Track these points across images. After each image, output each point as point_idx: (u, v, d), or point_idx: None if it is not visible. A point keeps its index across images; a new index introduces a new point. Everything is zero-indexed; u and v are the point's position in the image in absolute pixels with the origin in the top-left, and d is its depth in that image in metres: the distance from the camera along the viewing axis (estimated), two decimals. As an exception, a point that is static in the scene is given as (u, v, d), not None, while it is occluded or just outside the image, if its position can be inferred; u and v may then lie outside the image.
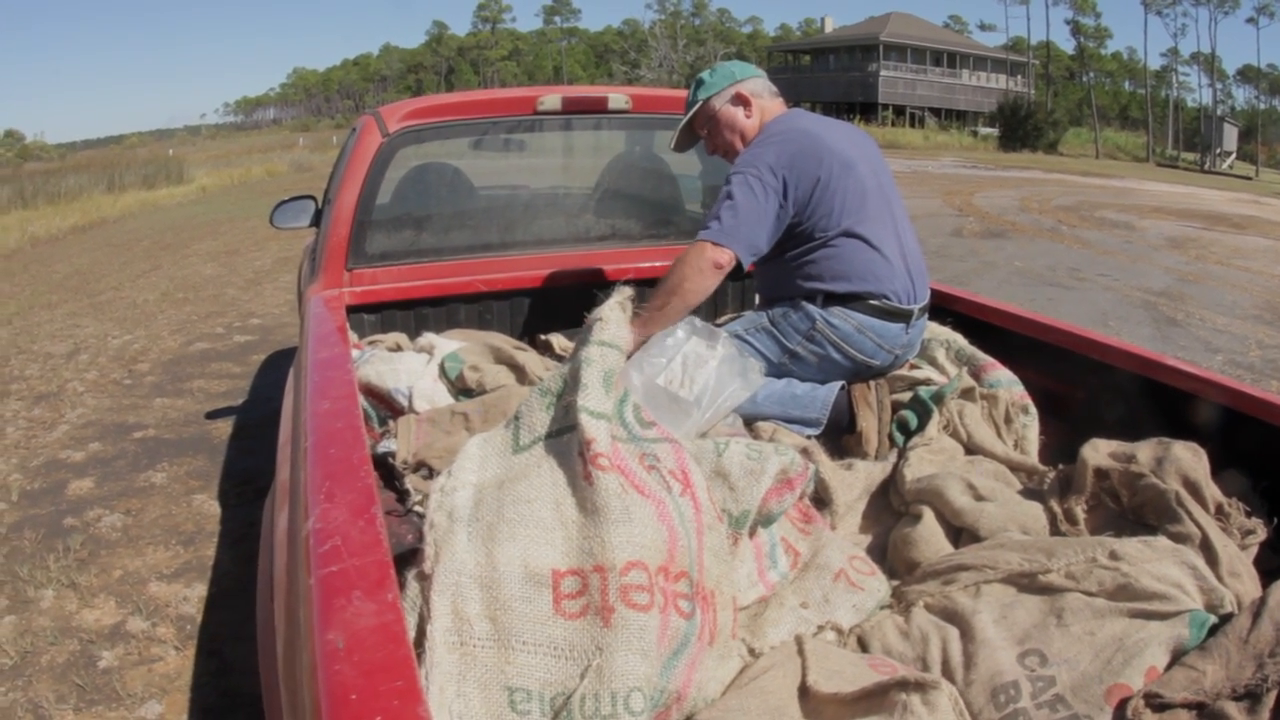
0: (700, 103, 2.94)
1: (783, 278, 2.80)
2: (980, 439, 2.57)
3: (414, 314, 3.28)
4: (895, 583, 2.04)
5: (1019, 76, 65.76)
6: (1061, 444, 2.59)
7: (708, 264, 2.61)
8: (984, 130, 56.05)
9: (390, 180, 3.20)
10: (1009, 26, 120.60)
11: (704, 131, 3.00)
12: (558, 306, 3.43)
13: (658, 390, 2.42)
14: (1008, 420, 2.67)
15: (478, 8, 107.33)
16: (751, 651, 1.64)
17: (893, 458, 2.50)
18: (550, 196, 3.60)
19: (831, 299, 2.73)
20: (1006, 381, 2.75)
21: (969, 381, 2.69)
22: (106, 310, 9.34)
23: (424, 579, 1.34)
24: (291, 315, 8.64)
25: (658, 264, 3.55)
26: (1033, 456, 2.58)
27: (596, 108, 3.39)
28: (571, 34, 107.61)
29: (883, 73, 57.43)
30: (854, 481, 2.37)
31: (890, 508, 2.38)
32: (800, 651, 1.59)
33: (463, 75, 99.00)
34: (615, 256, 3.53)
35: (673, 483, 1.48)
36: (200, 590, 3.73)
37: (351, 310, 3.08)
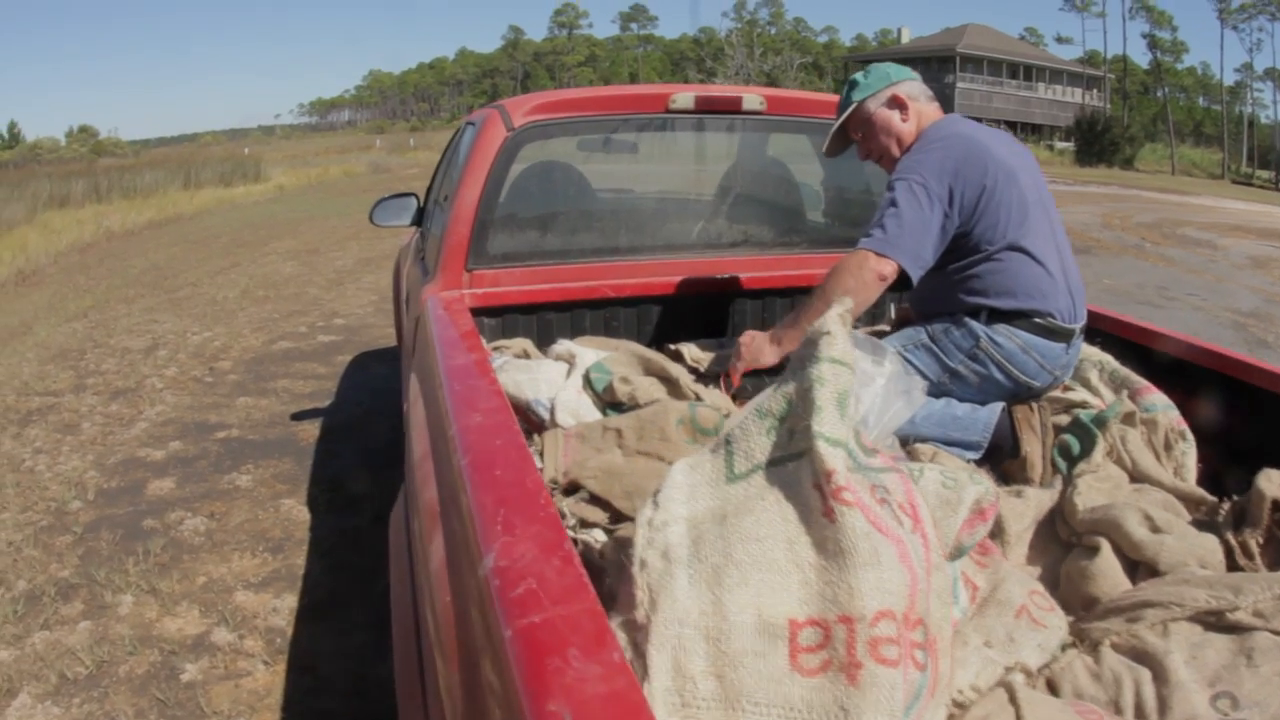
0: (855, 104, 2.79)
1: (943, 292, 2.66)
2: (1145, 467, 2.42)
3: (537, 318, 3.13)
4: (1070, 619, 1.89)
5: (1095, 90, 64.84)
6: (1212, 471, 2.48)
7: (871, 275, 2.46)
8: (1060, 144, 55.29)
9: (512, 178, 3.06)
10: (1085, 40, 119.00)
11: (858, 135, 2.84)
12: (686, 315, 3.29)
13: None
14: (1167, 447, 2.51)
15: (554, 13, 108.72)
16: (955, 701, 1.47)
17: (1058, 485, 2.34)
18: (678, 200, 3.44)
19: (996, 316, 2.59)
20: (1162, 406, 2.59)
21: (1130, 406, 2.54)
22: (185, 306, 9.34)
23: (634, 629, 1.16)
24: (377, 317, 8.56)
25: (790, 272, 3.41)
26: (1193, 485, 2.43)
27: (730, 108, 3.24)
28: (647, 41, 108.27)
29: (959, 84, 56.68)
30: (1024, 510, 2.21)
31: (1057, 538, 2.22)
32: (1013, 701, 1.45)
33: (538, 80, 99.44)
34: (745, 265, 3.37)
35: (903, 518, 1.30)
36: (290, 601, 3.58)
37: (472, 313, 2.93)
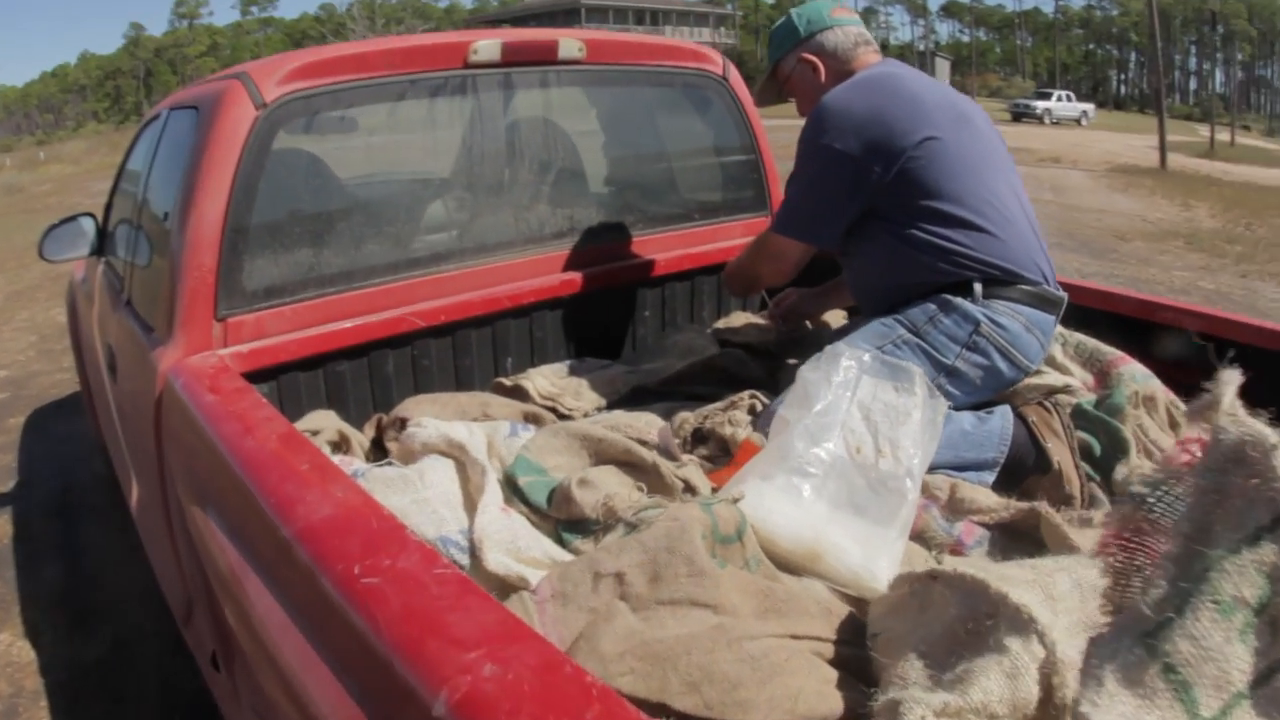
0: (773, 65, 2.45)
1: (904, 265, 2.11)
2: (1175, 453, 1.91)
3: (325, 374, 2.25)
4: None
5: (723, 29, 67.40)
6: None
7: (767, 254, 2.34)
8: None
9: (266, 176, 2.15)
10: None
11: (788, 97, 2.50)
12: (515, 336, 2.60)
13: (847, 469, 1.54)
14: (1173, 425, 2.12)
15: (175, 4, 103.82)
16: None
17: (1102, 505, 1.90)
18: (488, 185, 2.58)
19: (992, 286, 2.06)
20: (1142, 377, 2.20)
21: (1149, 387, 2.14)
22: None
23: None
24: (44, 361, 7.09)
25: (631, 261, 2.80)
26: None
27: (544, 57, 2.53)
28: (268, 24, 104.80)
29: (587, 36, 57.73)
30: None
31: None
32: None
33: (161, 77, 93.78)
34: (577, 259, 2.67)
35: None
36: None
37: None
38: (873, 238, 2.12)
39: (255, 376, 2.09)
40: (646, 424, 2.07)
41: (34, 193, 25.36)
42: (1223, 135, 34.12)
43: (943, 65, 57.43)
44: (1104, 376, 2.25)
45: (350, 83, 2.21)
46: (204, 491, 1.65)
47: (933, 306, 2.05)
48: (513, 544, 1.40)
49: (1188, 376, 2.24)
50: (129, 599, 3.43)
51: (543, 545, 1.43)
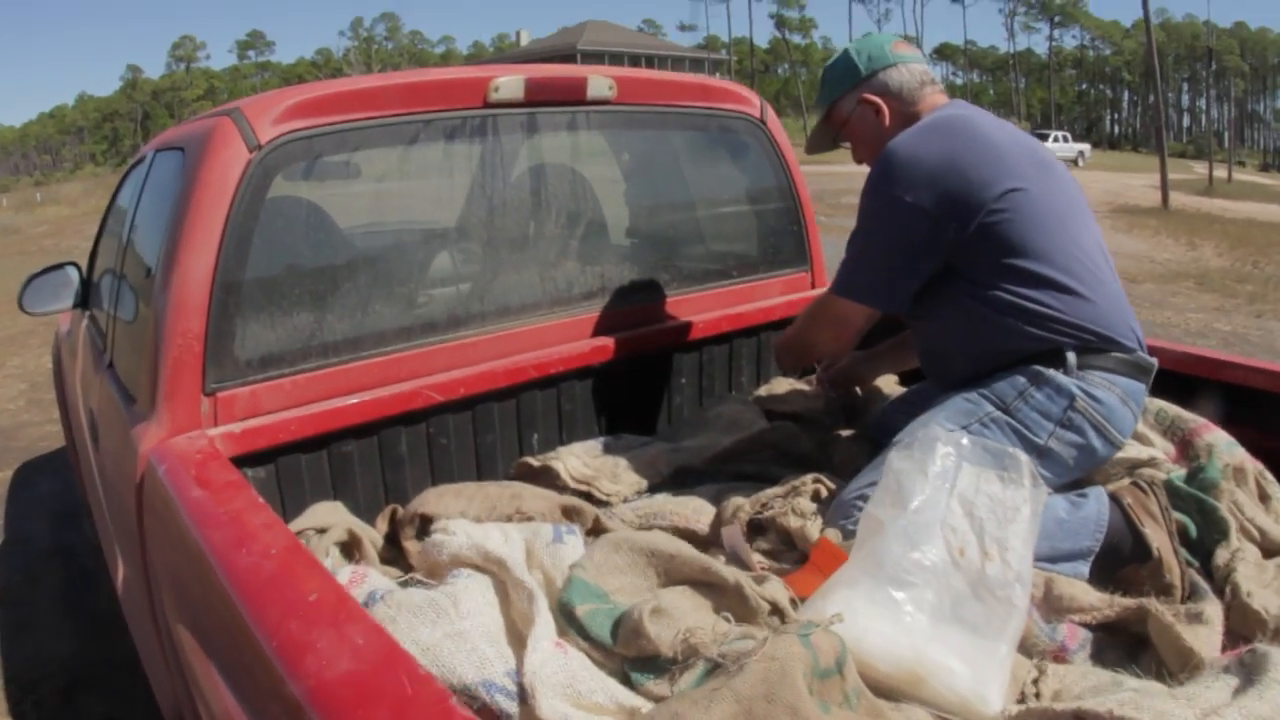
0: (828, 108, 2.20)
1: (990, 330, 1.88)
2: (1275, 534, 1.84)
3: (329, 456, 1.99)
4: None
5: (717, 74, 68.01)
6: None
7: (828, 318, 2.08)
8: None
9: (261, 227, 1.90)
10: (709, 25, 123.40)
11: (843, 140, 2.24)
12: (549, 408, 2.34)
13: (950, 575, 1.31)
14: (1263, 497, 1.94)
15: (172, 47, 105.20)
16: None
17: (1208, 599, 1.67)
18: (513, 239, 2.33)
19: (1085, 355, 1.84)
20: (1226, 445, 2.00)
21: (1236, 457, 1.96)
22: None
23: None
24: (33, 411, 6.84)
25: (680, 322, 2.55)
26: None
27: (572, 96, 2.28)
28: (265, 68, 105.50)
29: (582, 82, 59.18)
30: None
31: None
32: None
33: (158, 120, 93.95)
34: (620, 319, 2.42)
35: None
36: None
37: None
38: (948, 300, 1.89)
39: (250, 459, 1.84)
40: (694, 511, 1.84)
41: (30, 234, 25.27)
42: (1219, 171, 34.22)
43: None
44: (1186, 446, 2.05)
45: (356, 122, 1.97)
46: (193, 612, 1.41)
47: (1022, 379, 1.82)
48: (571, 688, 1.15)
49: (1269, 440, 2.07)
50: (120, 671, 3.15)
51: (608, 688, 1.17)
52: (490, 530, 1.50)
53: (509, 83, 2.13)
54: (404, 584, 1.47)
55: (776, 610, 1.33)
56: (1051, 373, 1.80)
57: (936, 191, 1.81)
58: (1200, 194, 25.58)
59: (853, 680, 1.13)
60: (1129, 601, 1.56)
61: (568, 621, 1.30)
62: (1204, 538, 1.83)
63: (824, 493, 1.85)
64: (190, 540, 1.36)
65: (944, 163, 1.83)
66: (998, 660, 1.29)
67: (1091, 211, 2.05)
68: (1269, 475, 1.97)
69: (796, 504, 1.75)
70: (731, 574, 1.34)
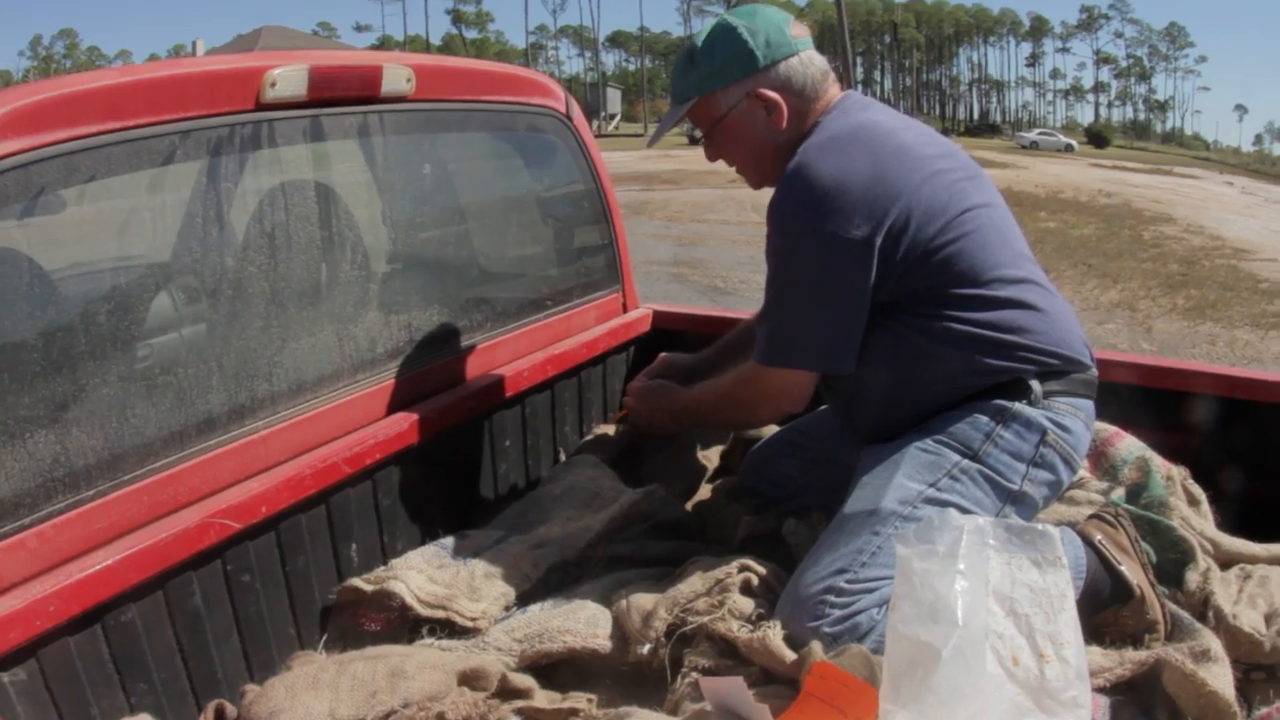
0: (701, 99, 1.76)
1: (942, 365, 1.61)
2: (1227, 543, 1.78)
3: (104, 634, 1.37)
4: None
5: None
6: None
7: (774, 391, 1.72)
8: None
9: None
10: (385, 25, 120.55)
11: (703, 136, 1.84)
12: (365, 509, 1.83)
13: (1007, 691, 1.12)
14: (1192, 502, 1.88)
15: None
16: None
17: (1197, 634, 1.52)
18: (303, 290, 1.78)
19: (1049, 380, 1.63)
20: (1137, 452, 1.95)
21: (1163, 466, 1.89)
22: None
23: None
24: None
25: (498, 373, 2.14)
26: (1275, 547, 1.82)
27: (363, 91, 1.78)
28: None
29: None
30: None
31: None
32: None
33: None
34: (434, 377, 2.00)
35: None
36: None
37: None
38: (883, 337, 1.61)
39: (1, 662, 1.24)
40: (588, 624, 1.50)
41: None
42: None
43: (614, 95, 58.74)
44: (1099, 457, 1.96)
45: (98, 137, 1.37)
46: None
47: (984, 418, 1.58)
48: None
49: (1174, 437, 1.99)
50: None
51: None
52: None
53: (288, 75, 1.61)
54: None
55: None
56: (1018, 406, 1.59)
57: (874, 220, 1.52)
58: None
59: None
60: (1140, 655, 1.45)
61: None
62: (1163, 561, 1.69)
63: (755, 582, 1.54)
64: None
65: (874, 183, 1.54)
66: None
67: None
68: (1190, 479, 1.91)
69: (733, 604, 1.43)
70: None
